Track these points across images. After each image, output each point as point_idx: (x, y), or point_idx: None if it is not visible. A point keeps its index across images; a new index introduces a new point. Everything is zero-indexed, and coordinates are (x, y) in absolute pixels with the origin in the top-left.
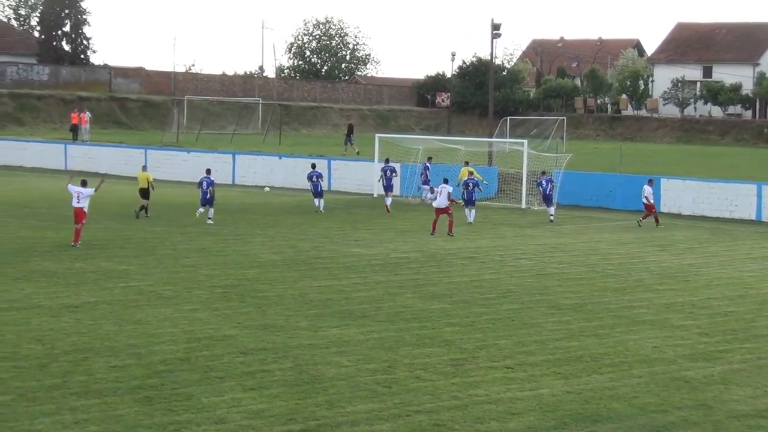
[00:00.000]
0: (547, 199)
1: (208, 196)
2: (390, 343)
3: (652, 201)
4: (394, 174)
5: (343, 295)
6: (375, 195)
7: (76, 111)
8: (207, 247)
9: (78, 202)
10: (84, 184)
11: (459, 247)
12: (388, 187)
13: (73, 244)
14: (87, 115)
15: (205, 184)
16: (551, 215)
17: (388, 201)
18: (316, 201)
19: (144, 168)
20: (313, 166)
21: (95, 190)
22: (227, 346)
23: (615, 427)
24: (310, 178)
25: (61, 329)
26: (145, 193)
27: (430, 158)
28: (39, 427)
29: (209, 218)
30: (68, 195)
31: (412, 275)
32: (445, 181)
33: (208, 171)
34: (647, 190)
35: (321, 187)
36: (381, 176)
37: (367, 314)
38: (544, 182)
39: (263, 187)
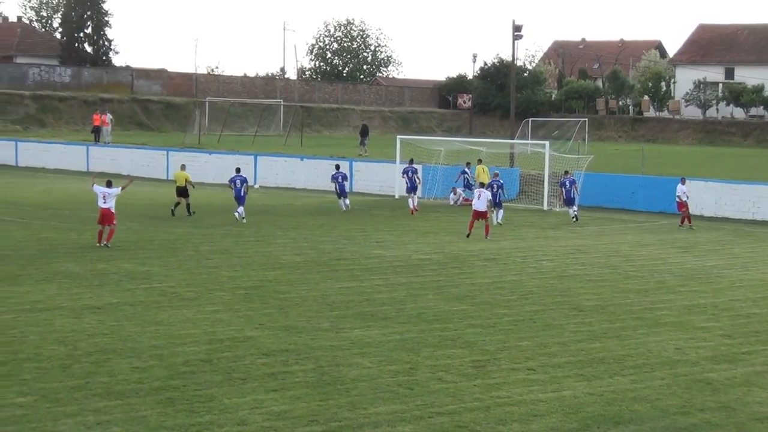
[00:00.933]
0: (570, 200)
1: (242, 193)
2: (412, 344)
3: (685, 199)
4: (416, 175)
5: (365, 297)
6: (397, 196)
7: (98, 113)
8: (229, 249)
9: (104, 203)
10: (109, 184)
11: (481, 248)
12: (411, 189)
13: (106, 243)
14: (108, 117)
15: (238, 182)
16: (574, 214)
17: (413, 202)
18: (341, 201)
19: (183, 167)
20: (337, 167)
21: (122, 189)
22: (249, 347)
23: (637, 429)
24: (335, 179)
25: (83, 330)
26: (182, 191)
27: (468, 164)
28: (62, 428)
29: (242, 217)
30: (92, 196)
31: (434, 277)
32: (482, 185)
33: (238, 169)
34: (681, 188)
35: (345, 187)
36: (405, 178)
37: (389, 316)
38: (567, 183)
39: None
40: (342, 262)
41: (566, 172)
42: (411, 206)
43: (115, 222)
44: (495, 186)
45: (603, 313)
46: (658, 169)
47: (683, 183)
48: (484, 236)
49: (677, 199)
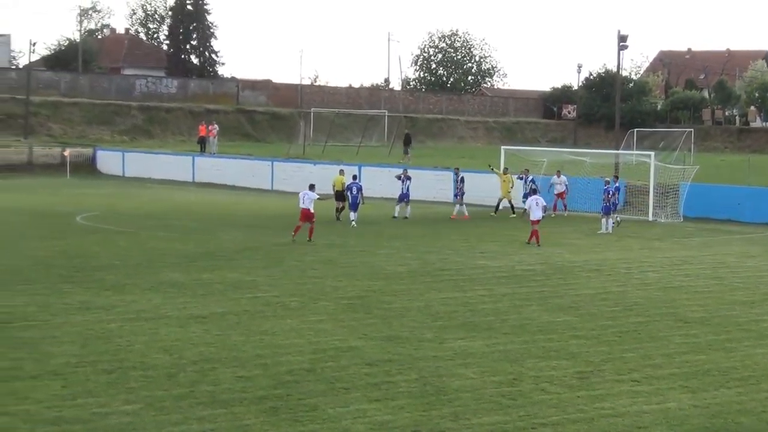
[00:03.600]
0: (615, 206)
1: (359, 200)
2: (515, 355)
3: None
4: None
5: (469, 307)
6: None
7: (204, 123)
8: (333, 259)
9: (302, 203)
10: (312, 188)
11: (585, 259)
12: (459, 195)
13: (309, 239)
14: (215, 128)
15: (355, 189)
16: (612, 223)
17: (458, 209)
18: (398, 207)
19: (341, 172)
20: (405, 171)
21: (318, 197)
22: (353, 357)
23: None
24: (399, 178)
25: (188, 339)
26: (341, 195)
27: (526, 170)
28: None
29: (354, 222)
30: (198, 207)
31: (538, 287)
32: (534, 192)
33: (355, 177)
34: None
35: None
36: (458, 186)
37: (493, 326)
38: (620, 186)
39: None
40: (445, 272)
41: (616, 177)
42: (455, 213)
43: (313, 220)
44: (612, 191)
45: (708, 324)
46: (765, 180)
47: None
48: (537, 244)
49: None
